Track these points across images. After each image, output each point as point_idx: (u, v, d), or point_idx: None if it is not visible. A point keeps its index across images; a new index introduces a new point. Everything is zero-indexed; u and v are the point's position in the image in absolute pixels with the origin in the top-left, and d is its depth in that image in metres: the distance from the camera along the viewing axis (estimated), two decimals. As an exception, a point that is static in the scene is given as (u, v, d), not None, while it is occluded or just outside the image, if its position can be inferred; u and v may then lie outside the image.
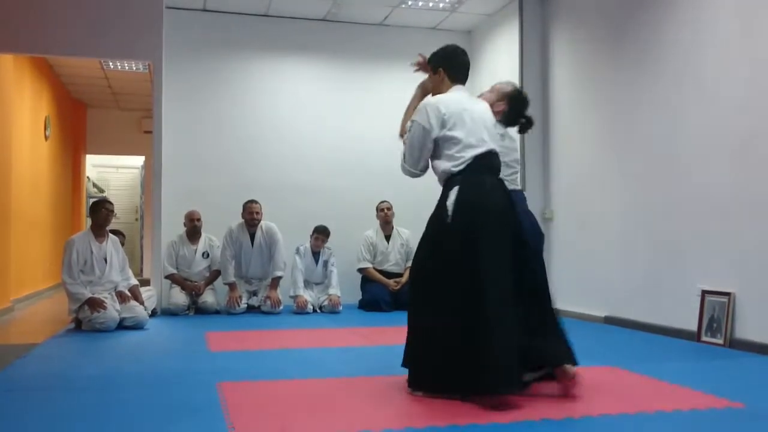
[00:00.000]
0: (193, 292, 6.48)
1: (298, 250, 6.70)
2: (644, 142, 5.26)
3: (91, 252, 5.37)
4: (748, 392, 3.07)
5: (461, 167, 3.09)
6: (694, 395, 2.99)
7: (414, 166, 3.27)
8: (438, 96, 3.32)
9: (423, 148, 3.20)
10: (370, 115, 7.53)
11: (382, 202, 6.99)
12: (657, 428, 2.50)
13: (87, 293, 5.21)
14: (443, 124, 3.15)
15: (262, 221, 6.68)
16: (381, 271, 6.86)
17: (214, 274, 6.63)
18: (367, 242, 6.93)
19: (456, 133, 3.13)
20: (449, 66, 3.47)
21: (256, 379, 3.38)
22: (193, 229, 6.62)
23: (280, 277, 6.59)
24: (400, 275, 6.83)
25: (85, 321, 5.22)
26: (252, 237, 6.65)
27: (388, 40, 7.68)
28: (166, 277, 6.53)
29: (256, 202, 6.65)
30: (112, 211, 5.70)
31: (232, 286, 6.48)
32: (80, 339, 4.87)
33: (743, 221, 4.32)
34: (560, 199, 6.45)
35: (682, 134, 4.86)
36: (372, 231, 7.00)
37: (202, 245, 6.66)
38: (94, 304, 5.18)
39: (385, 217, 6.94)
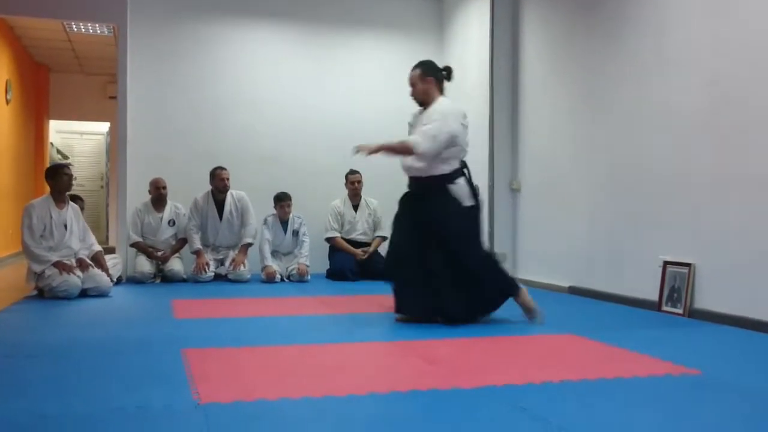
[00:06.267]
0: (159, 261, 6.43)
1: (265, 221, 6.65)
2: (611, 116, 5.30)
3: (51, 218, 5.27)
4: (705, 359, 3.15)
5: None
6: (653, 362, 3.06)
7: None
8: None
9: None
10: (338, 83, 7.47)
11: (353, 173, 6.93)
12: (616, 393, 2.56)
13: (53, 256, 5.14)
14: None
15: (231, 189, 6.63)
16: (349, 241, 6.86)
17: (181, 242, 6.57)
18: (335, 212, 6.90)
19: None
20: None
21: (221, 346, 3.37)
22: (158, 196, 6.54)
23: (250, 244, 6.57)
24: (368, 245, 6.84)
25: (46, 289, 5.14)
26: (220, 207, 6.59)
27: (358, 7, 7.60)
28: (131, 245, 6.46)
29: (224, 168, 6.60)
30: (72, 175, 5.59)
31: (198, 253, 6.43)
32: (42, 306, 4.80)
33: (704, 194, 4.40)
34: (527, 170, 6.50)
35: (646, 108, 4.91)
36: (339, 200, 6.97)
37: (167, 213, 6.57)
38: (63, 266, 5.11)
39: (355, 189, 6.91)
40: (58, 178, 5.40)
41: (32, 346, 3.41)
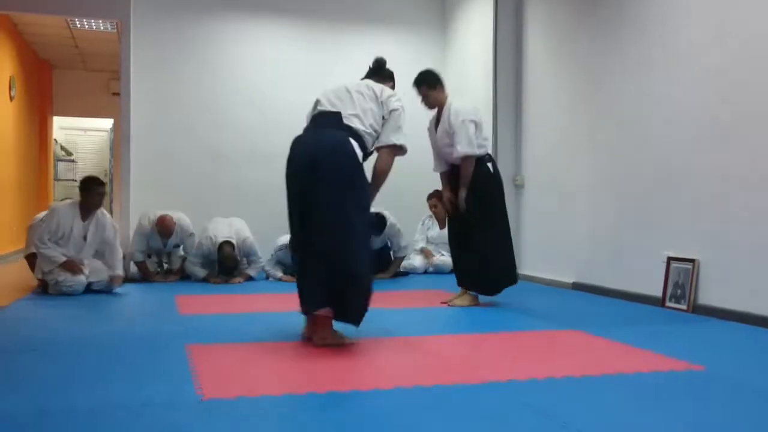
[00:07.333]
0: (166, 273, 6.29)
1: (274, 254, 6.27)
2: (614, 112, 5.29)
3: (71, 229, 5.20)
4: (709, 355, 3.14)
5: None
6: (656, 358, 3.06)
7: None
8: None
9: None
10: (341, 80, 7.42)
11: None
12: (619, 389, 2.55)
13: (62, 256, 5.12)
14: None
15: (232, 237, 6.13)
16: None
17: (185, 261, 6.28)
18: None
19: None
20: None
21: (225, 342, 3.37)
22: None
23: (251, 277, 6.28)
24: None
25: (51, 284, 5.15)
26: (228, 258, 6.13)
27: (361, 4, 7.59)
28: (136, 263, 6.16)
29: (232, 254, 6.09)
30: (104, 193, 5.42)
31: (207, 278, 6.14)
32: (47, 302, 4.81)
33: (708, 190, 4.38)
34: (531, 166, 6.48)
35: (650, 104, 4.89)
36: None
37: (173, 240, 6.20)
38: (71, 267, 5.10)
39: None
40: (90, 194, 5.24)
41: (36, 341, 3.42)
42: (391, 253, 6.64)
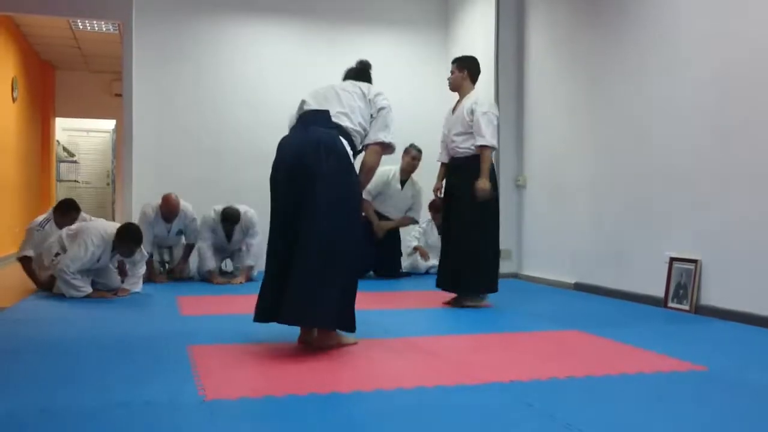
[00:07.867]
0: (168, 273, 6.28)
1: None
2: (616, 112, 5.29)
3: (99, 261, 5.16)
4: (712, 356, 3.14)
5: None
6: (659, 358, 3.05)
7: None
8: None
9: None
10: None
11: (418, 151, 6.48)
12: (622, 389, 2.55)
13: (88, 288, 5.04)
14: None
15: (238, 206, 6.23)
16: (378, 214, 6.53)
17: (189, 249, 6.31)
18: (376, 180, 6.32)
19: None
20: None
21: (227, 343, 3.37)
22: (168, 216, 6.14)
23: (252, 267, 6.25)
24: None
25: (56, 285, 5.14)
26: (229, 230, 6.24)
27: (364, 3, 7.59)
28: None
29: (235, 222, 6.17)
30: (137, 250, 5.20)
31: (212, 274, 6.13)
32: (49, 304, 4.81)
33: (710, 190, 4.38)
34: (533, 167, 6.48)
35: (652, 104, 4.89)
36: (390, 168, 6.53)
37: (176, 224, 6.20)
38: (99, 295, 5.09)
39: (413, 167, 6.51)
40: (123, 245, 5.11)
41: (37, 342, 3.42)
42: (408, 212, 6.67)
